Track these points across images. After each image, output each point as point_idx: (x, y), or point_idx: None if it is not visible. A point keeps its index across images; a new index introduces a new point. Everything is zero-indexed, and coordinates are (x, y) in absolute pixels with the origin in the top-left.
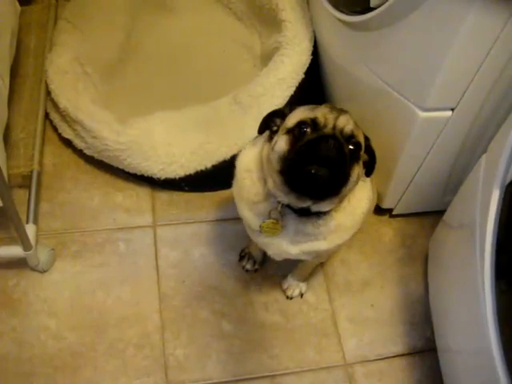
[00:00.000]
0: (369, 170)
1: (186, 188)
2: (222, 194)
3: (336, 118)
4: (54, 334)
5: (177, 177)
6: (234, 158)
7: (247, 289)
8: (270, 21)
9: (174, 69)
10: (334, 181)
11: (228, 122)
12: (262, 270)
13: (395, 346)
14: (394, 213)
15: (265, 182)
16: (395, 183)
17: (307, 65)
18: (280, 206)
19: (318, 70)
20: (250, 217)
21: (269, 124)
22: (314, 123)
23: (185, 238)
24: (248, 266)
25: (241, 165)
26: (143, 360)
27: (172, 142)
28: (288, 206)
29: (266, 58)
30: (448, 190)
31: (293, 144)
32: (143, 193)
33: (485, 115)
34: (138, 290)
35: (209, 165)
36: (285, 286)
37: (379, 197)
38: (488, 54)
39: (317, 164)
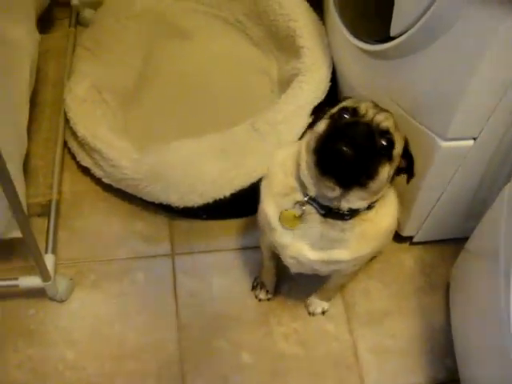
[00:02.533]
0: (408, 172)
1: (204, 216)
2: (241, 222)
3: (377, 113)
4: (72, 365)
5: (195, 205)
6: (252, 186)
7: (266, 319)
8: (287, 47)
9: (191, 96)
10: (360, 165)
11: (246, 149)
12: (280, 300)
13: (416, 378)
14: (414, 240)
15: (297, 175)
16: (416, 211)
17: (326, 92)
18: (306, 200)
19: (336, 97)
20: (273, 211)
21: (319, 115)
22: (354, 111)
23: (203, 266)
24: (261, 296)
25: (276, 160)
26: None
27: (190, 171)
28: (316, 202)
29: (284, 83)
30: (470, 217)
31: (330, 126)
32: (161, 221)
33: (507, 142)
34: (157, 320)
35: (227, 193)
36: (308, 301)
37: (400, 224)
38: None
39: (345, 144)
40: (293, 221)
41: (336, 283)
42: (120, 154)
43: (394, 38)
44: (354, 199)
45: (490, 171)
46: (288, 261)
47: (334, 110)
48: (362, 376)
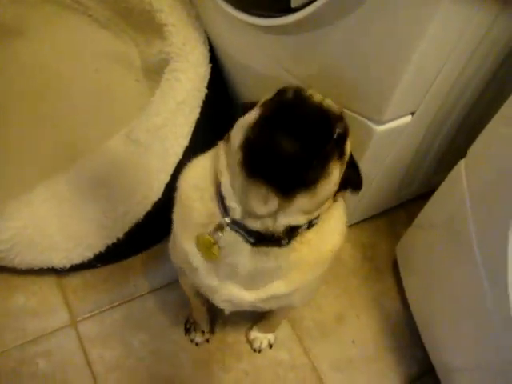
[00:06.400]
0: (355, 183)
1: (99, 265)
2: (144, 257)
3: (324, 98)
4: None
5: (85, 259)
6: (148, 217)
7: (209, 369)
8: (145, 25)
9: (44, 111)
10: (307, 158)
11: (129, 168)
12: (218, 341)
13: (390, 381)
14: (348, 224)
15: (218, 193)
16: (350, 197)
17: (208, 76)
18: (228, 222)
19: (222, 79)
20: (193, 248)
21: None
22: (297, 92)
23: (116, 326)
24: (198, 339)
25: (187, 182)
26: None
27: (68, 221)
28: (241, 227)
29: (151, 70)
30: (402, 187)
31: (268, 108)
32: (48, 284)
33: (443, 112)
34: None
35: (121, 234)
36: (251, 337)
37: None
38: (453, 51)
39: (289, 128)
40: (210, 249)
41: (281, 316)
42: None
43: (297, 10)
44: (296, 212)
45: (426, 141)
46: (220, 304)
47: (268, 96)
48: None
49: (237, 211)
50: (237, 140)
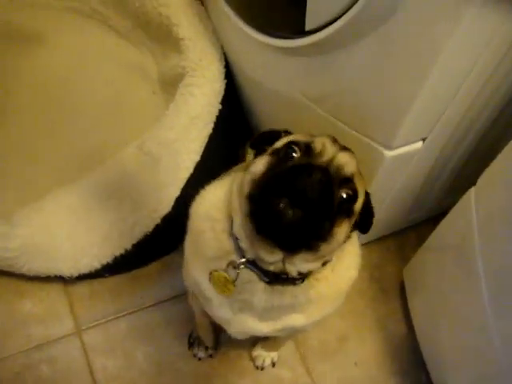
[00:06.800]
0: (363, 226)
1: (107, 275)
2: (152, 269)
3: (337, 152)
4: None
5: (92, 269)
6: (157, 230)
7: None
8: (163, 38)
9: (59, 120)
10: (310, 228)
11: (140, 180)
12: (221, 356)
13: None
14: None
15: (231, 230)
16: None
17: (223, 92)
18: (242, 262)
19: (236, 96)
20: (205, 279)
21: (258, 147)
22: (307, 148)
23: (120, 337)
24: (201, 354)
25: (200, 212)
26: None
27: (77, 231)
28: (256, 266)
29: (167, 83)
30: (412, 210)
31: (272, 167)
32: (55, 291)
33: (456, 137)
34: None
35: (129, 245)
36: (254, 354)
37: None
38: (467, 77)
39: (290, 199)
40: (225, 285)
41: (288, 337)
42: None
43: (311, 33)
44: (302, 263)
45: (437, 168)
46: (233, 334)
47: (279, 144)
48: None
49: (249, 253)
50: (246, 189)
